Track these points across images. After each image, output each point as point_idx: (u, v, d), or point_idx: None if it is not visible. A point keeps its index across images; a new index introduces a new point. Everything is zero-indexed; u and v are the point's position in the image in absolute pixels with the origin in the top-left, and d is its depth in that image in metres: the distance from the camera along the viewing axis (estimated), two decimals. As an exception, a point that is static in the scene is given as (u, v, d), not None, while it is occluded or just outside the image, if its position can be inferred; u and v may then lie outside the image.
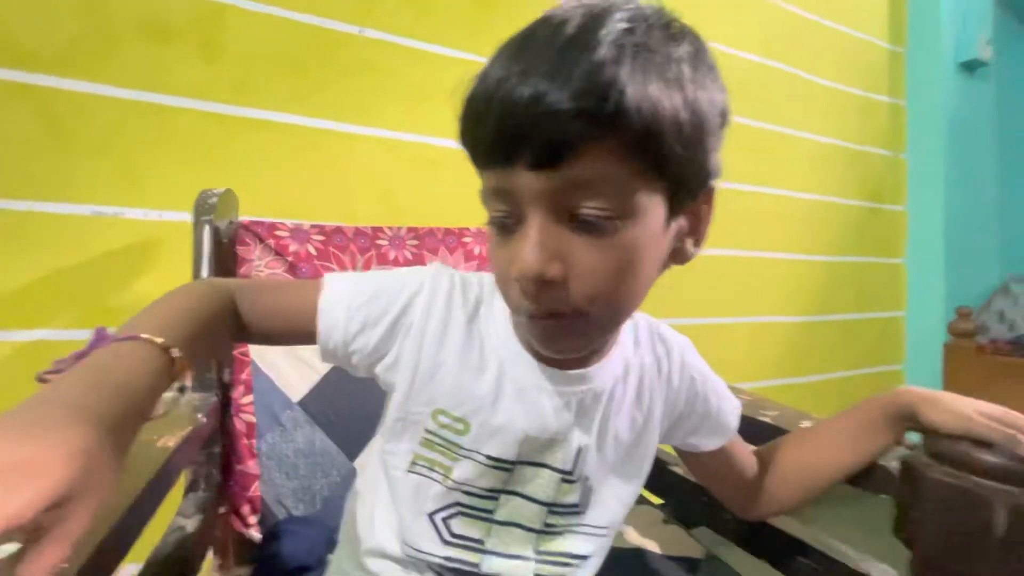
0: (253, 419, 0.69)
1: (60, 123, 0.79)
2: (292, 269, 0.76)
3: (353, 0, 0.99)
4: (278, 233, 0.77)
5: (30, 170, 0.78)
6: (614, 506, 0.43)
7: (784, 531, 0.57)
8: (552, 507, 0.41)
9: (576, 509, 0.41)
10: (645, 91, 0.27)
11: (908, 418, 0.42)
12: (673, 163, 0.29)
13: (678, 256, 0.36)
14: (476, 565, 0.40)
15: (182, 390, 0.34)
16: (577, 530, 0.42)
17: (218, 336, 0.37)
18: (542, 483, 0.40)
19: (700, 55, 0.31)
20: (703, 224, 0.36)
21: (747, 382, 1.53)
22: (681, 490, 0.72)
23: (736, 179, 1.52)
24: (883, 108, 1.90)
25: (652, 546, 0.63)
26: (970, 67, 1.91)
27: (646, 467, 0.45)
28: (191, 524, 0.55)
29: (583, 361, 0.39)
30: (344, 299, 0.39)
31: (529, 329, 0.34)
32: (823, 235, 1.73)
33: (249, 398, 0.70)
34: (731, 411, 0.47)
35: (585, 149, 0.28)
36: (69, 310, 0.80)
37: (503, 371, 0.39)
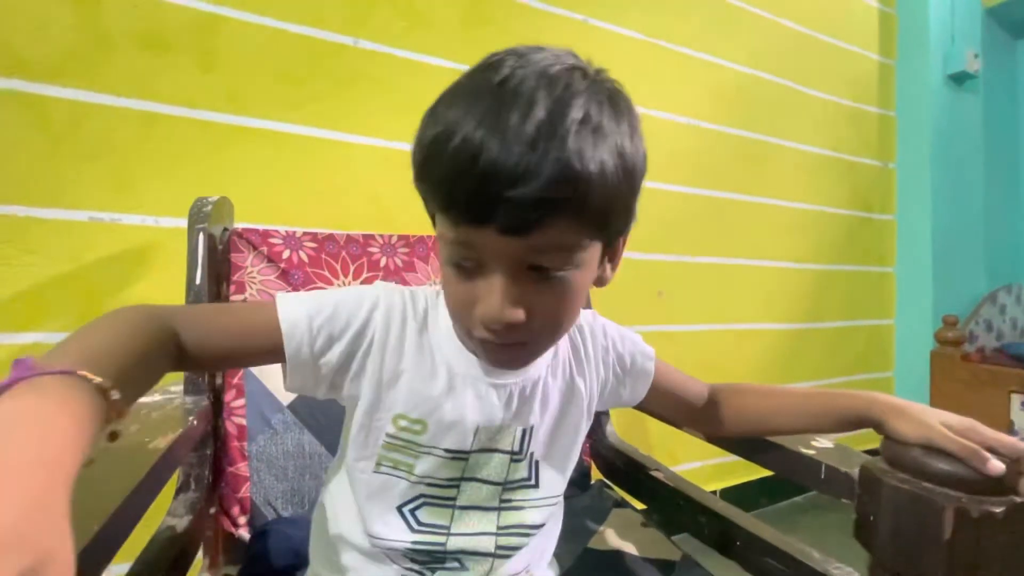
0: (244, 422, 0.71)
1: (56, 131, 0.81)
2: (284, 276, 0.78)
3: (347, 11, 1.02)
4: (271, 240, 0.79)
5: (27, 177, 0.79)
6: (557, 477, 0.48)
7: (757, 535, 0.59)
8: (506, 485, 0.46)
9: (528, 483, 0.47)
10: (604, 179, 0.32)
11: (875, 425, 0.44)
12: (615, 224, 0.36)
13: (600, 281, 0.42)
14: (443, 544, 0.44)
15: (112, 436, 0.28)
16: (532, 503, 0.47)
17: (154, 370, 0.35)
18: (495, 466, 0.45)
19: (634, 124, 0.36)
20: (619, 254, 0.42)
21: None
22: (662, 496, 0.73)
23: (728, 188, 1.54)
24: (873, 119, 1.93)
25: (630, 548, 0.64)
26: (959, 79, 1.95)
27: (579, 439, 0.50)
28: (181, 524, 0.57)
29: None
30: (305, 316, 0.41)
31: (483, 353, 0.39)
32: (813, 244, 1.75)
33: (240, 401, 0.72)
34: (645, 358, 0.53)
35: (550, 222, 0.32)
36: (65, 314, 0.81)
37: (451, 372, 0.44)
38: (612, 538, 0.67)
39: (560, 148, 0.31)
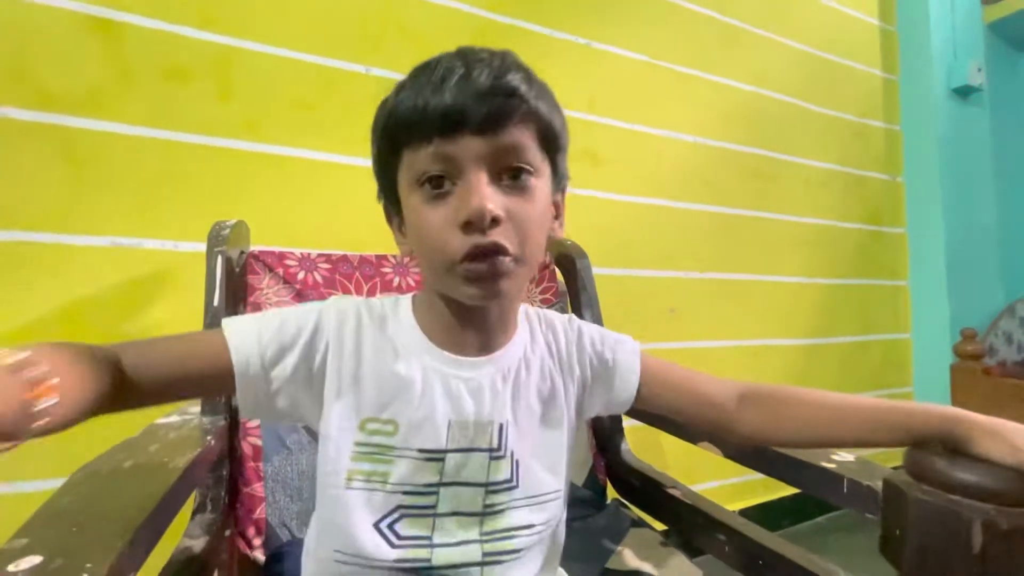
0: (260, 442, 0.71)
1: (81, 160, 0.84)
2: (299, 296, 0.79)
3: (359, 41, 1.05)
4: (287, 262, 0.80)
5: (52, 204, 0.82)
6: (543, 475, 0.47)
7: (782, 554, 0.57)
8: (488, 486, 0.44)
9: (510, 484, 0.45)
10: (545, 97, 0.41)
11: (959, 443, 0.40)
12: (554, 147, 0.42)
13: (552, 231, 0.45)
14: (427, 560, 0.42)
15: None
16: (516, 505, 0.45)
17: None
18: (475, 465, 0.44)
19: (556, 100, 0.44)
20: (562, 214, 0.47)
21: (751, 405, 1.53)
22: (681, 515, 0.72)
23: (737, 205, 1.55)
24: (879, 133, 1.93)
25: (649, 569, 0.63)
26: (963, 93, 1.95)
27: (565, 440, 0.48)
28: (198, 546, 0.57)
29: (489, 347, 0.45)
30: (253, 332, 0.41)
31: (468, 274, 0.39)
32: (824, 258, 1.74)
33: (256, 422, 0.72)
34: (628, 353, 0.50)
35: (512, 123, 0.38)
36: (88, 335, 0.83)
37: (418, 368, 0.43)
38: (630, 558, 0.66)
39: (516, 71, 0.39)
